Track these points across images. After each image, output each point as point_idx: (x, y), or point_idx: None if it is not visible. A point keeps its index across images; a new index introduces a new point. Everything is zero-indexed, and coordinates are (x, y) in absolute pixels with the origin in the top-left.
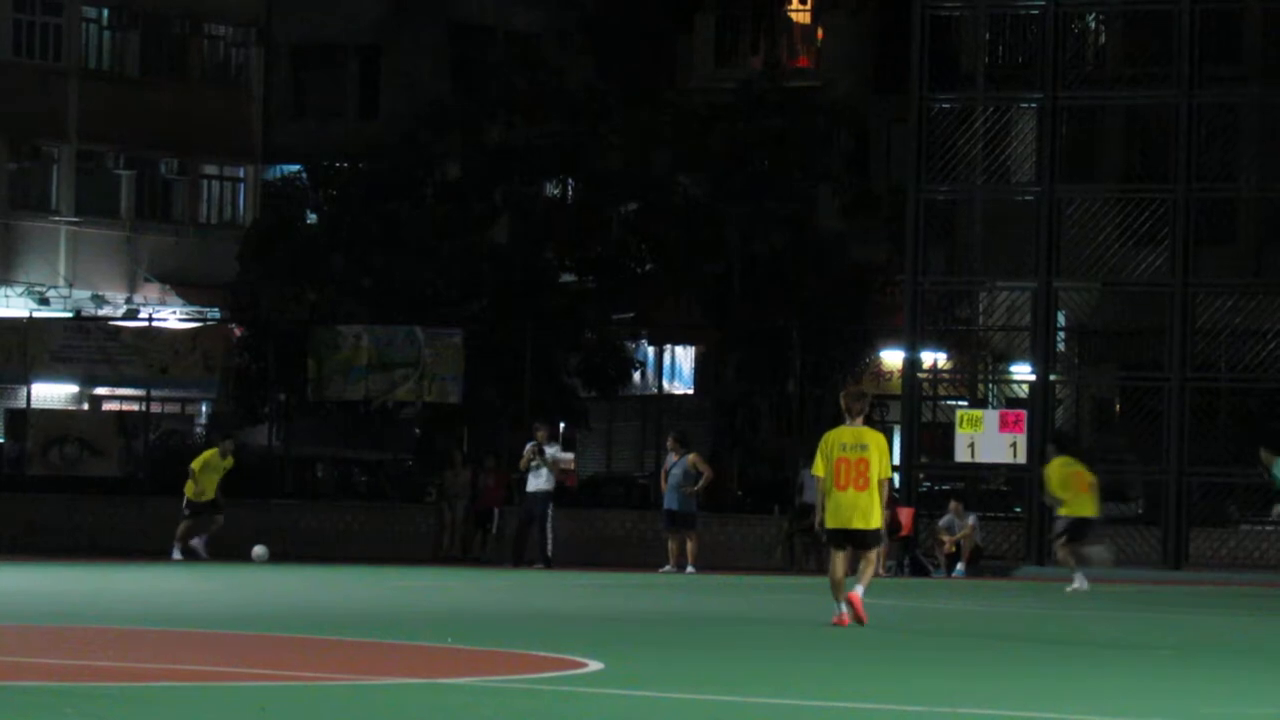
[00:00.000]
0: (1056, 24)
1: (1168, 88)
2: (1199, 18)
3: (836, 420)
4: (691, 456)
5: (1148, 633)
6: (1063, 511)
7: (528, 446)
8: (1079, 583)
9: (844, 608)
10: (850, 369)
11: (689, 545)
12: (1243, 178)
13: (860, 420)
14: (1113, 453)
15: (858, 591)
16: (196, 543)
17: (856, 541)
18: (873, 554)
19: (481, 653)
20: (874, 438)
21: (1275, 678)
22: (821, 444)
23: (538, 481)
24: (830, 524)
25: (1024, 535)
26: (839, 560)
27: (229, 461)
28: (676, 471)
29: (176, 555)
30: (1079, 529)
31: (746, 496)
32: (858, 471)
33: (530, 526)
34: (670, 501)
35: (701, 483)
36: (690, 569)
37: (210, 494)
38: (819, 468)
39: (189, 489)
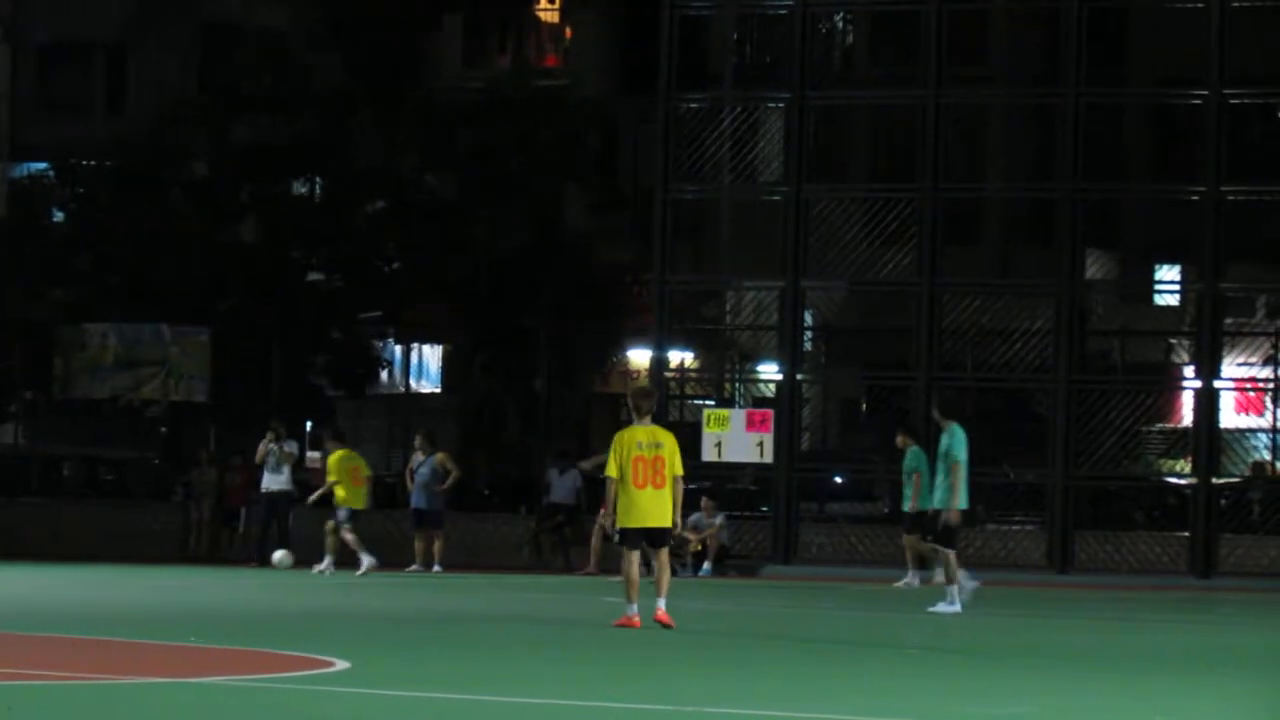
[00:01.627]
0: (804, 24)
1: (915, 88)
2: (946, 19)
3: (583, 420)
4: (440, 455)
5: (898, 631)
6: (341, 503)
7: (262, 443)
8: (365, 563)
9: (636, 609)
10: (598, 368)
11: (436, 544)
12: (988, 178)
13: (649, 419)
14: (859, 452)
15: (661, 606)
16: None
17: (654, 539)
18: (665, 554)
19: (228, 651)
20: (667, 436)
21: (1023, 677)
22: (615, 443)
23: (278, 480)
24: (628, 523)
25: (770, 534)
26: (634, 559)
27: None
28: (424, 470)
29: None
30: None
31: (493, 495)
32: (655, 470)
33: (271, 525)
34: (418, 500)
35: (450, 481)
36: (437, 568)
37: None
38: (612, 468)
39: None
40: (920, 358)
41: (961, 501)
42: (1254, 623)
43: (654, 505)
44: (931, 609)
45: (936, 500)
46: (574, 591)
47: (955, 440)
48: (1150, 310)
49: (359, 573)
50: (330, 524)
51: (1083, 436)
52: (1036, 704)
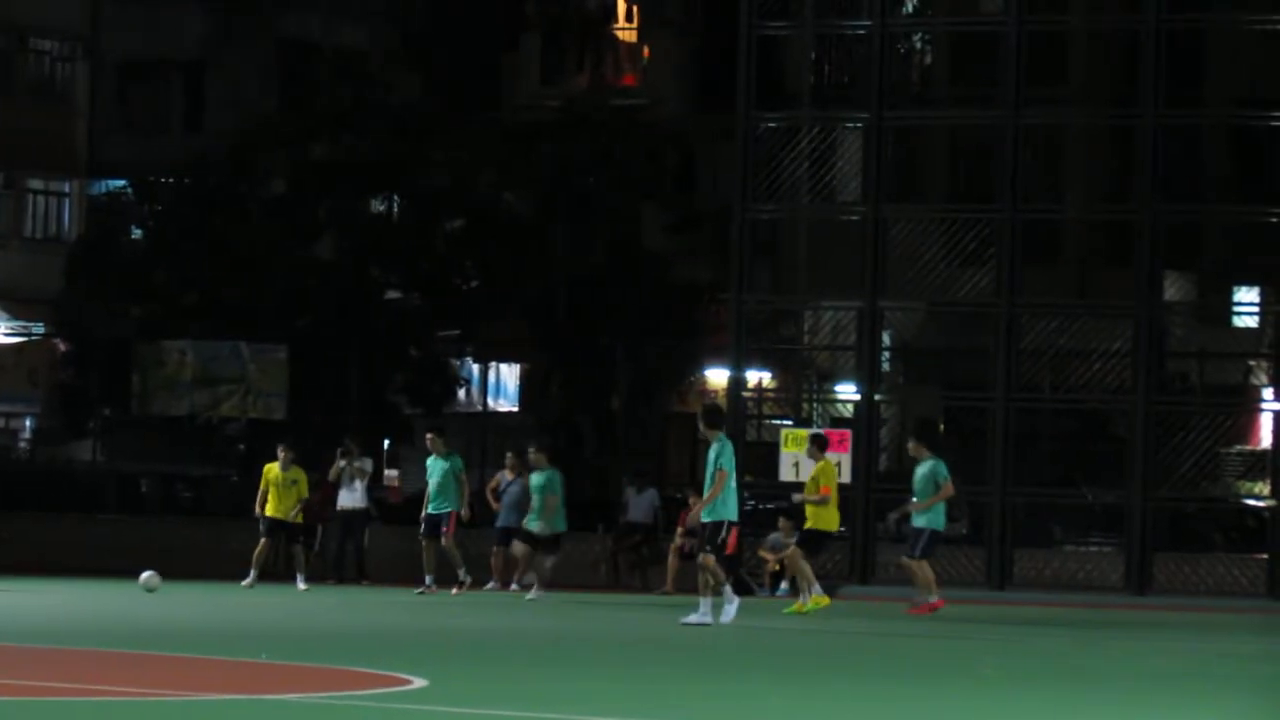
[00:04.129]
0: (883, 44)
1: (994, 109)
2: (1025, 39)
3: (660, 439)
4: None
5: (973, 653)
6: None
7: (337, 460)
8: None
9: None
10: (675, 387)
11: (518, 562)
12: (1067, 199)
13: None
14: None
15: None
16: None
17: None
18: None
19: (305, 669)
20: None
21: (1097, 699)
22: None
23: (352, 498)
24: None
25: (847, 555)
26: None
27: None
28: (515, 489)
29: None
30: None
31: (570, 514)
32: None
33: (347, 542)
34: (507, 519)
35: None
36: (514, 586)
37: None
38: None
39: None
40: (998, 379)
41: (730, 513)
42: None
43: None
44: (684, 620)
45: (707, 513)
46: (651, 610)
47: (724, 451)
48: (1229, 332)
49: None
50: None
51: (1161, 458)
52: None
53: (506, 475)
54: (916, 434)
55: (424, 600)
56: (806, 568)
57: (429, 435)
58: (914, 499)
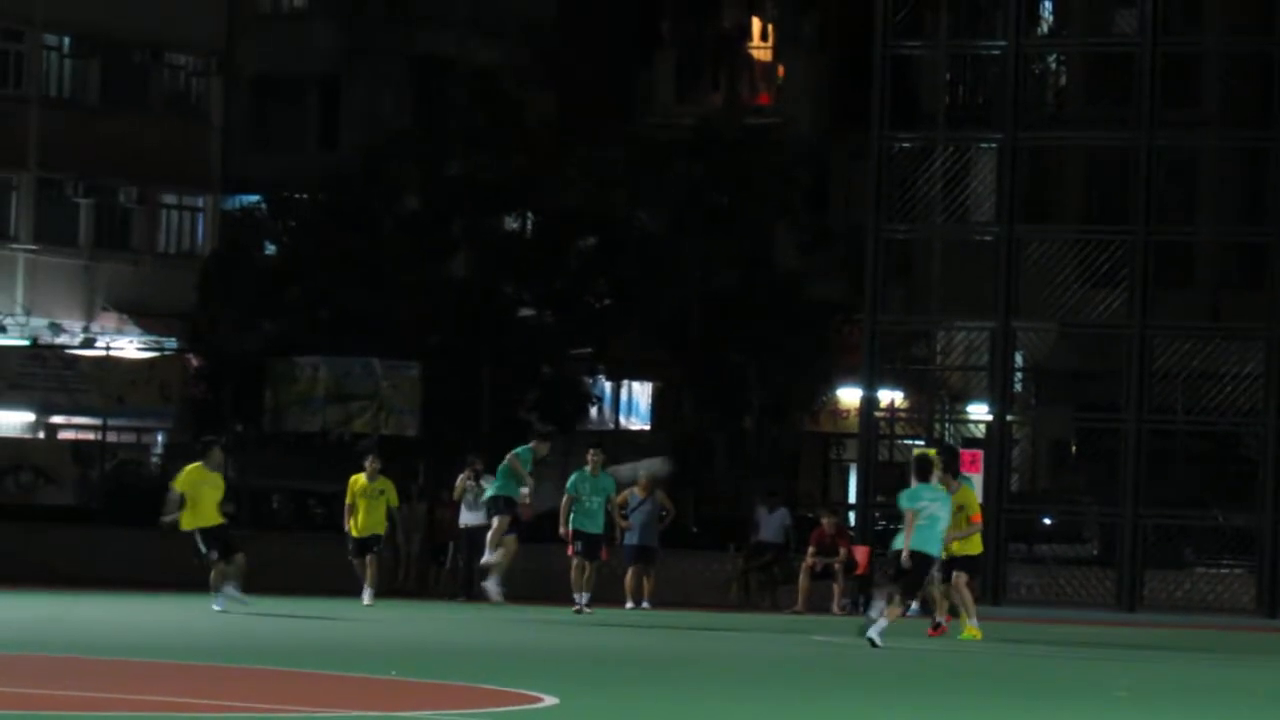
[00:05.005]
0: (1017, 65)
1: (1127, 130)
2: (1159, 60)
3: (792, 459)
4: (660, 494)
5: (1106, 674)
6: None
7: (460, 477)
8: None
9: None
10: (807, 407)
11: (647, 581)
12: (1200, 221)
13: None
14: (1068, 493)
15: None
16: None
17: None
18: None
19: (434, 685)
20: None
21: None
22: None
23: (475, 515)
24: None
25: (980, 574)
26: None
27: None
28: (646, 508)
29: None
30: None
31: (702, 533)
32: None
33: (473, 559)
34: (638, 538)
35: (668, 520)
36: (645, 605)
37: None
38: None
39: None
40: (1130, 400)
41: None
42: None
43: None
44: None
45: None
46: (781, 631)
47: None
48: None
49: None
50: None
51: None
52: None
53: (637, 493)
54: (944, 465)
55: (551, 618)
56: (968, 595)
57: (591, 452)
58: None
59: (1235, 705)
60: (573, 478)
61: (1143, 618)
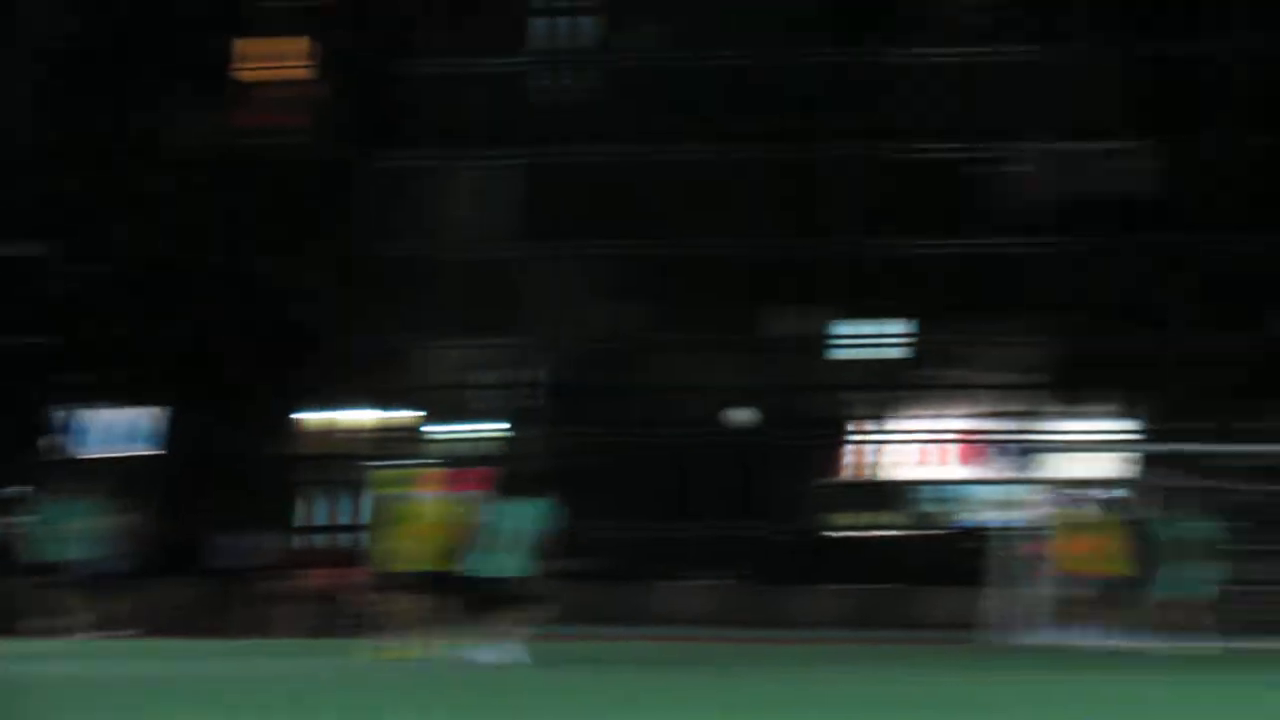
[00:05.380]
0: (525, 82)
1: (640, 144)
2: (672, 77)
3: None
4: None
5: None
6: None
7: None
8: None
9: None
10: (284, 428)
11: None
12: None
13: None
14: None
15: None
16: None
17: None
18: None
19: None
20: None
21: None
22: None
23: None
24: None
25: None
26: None
27: None
28: None
29: None
30: None
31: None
32: None
33: None
34: None
35: None
36: None
37: None
38: None
39: None
40: None
41: None
42: None
43: None
44: None
45: None
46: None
47: None
48: None
49: None
50: None
51: None
52: None
53: None
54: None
55: None
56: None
57: None
58: None
59: None
60: None
61: None
